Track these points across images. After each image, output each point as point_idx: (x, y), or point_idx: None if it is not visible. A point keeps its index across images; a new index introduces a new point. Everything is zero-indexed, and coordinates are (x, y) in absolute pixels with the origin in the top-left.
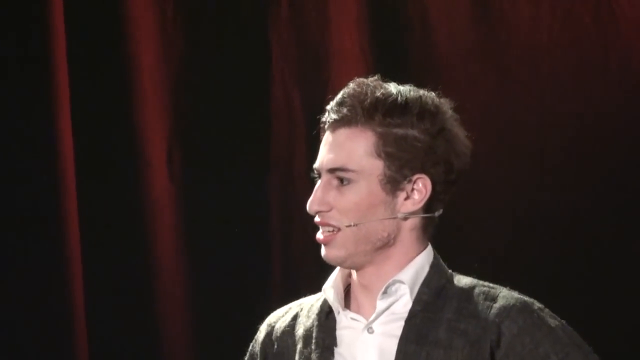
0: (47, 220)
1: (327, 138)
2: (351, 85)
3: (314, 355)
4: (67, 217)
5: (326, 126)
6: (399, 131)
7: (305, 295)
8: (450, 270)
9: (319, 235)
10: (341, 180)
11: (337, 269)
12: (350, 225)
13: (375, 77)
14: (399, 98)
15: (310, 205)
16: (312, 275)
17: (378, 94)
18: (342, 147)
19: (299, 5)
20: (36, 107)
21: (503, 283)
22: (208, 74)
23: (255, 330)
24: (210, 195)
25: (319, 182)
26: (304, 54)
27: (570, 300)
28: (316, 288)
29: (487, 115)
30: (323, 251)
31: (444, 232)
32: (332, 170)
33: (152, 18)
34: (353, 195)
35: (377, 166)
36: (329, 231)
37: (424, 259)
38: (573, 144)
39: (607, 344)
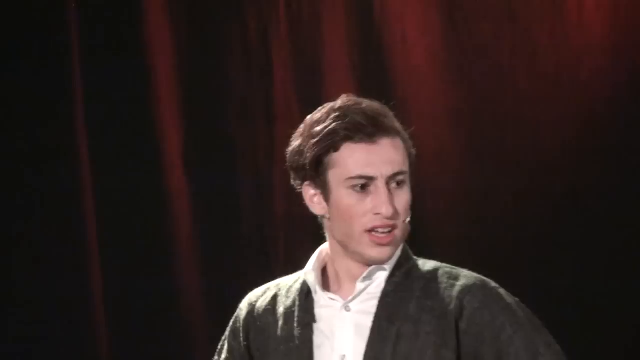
0: (69, 208)
1: (368, 148)
2: (364, 103)
3: (295, 332)
4: (86, 207)
5: (358, 139)
6: (404, 134)
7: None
8: (415, 257)
9: (385, 239)
10: (398, 182)
11: (315, 254)
12: (404, 221)
13: (352, 95)
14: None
15: (387, 210)
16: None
17: (382, 107)
18: (394, 154)
19: (296, 22)
20: (58, 107)
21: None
22: (218, 79)
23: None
24: (220, 186)
25: (379, 189)
26: (301, 64)
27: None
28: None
29: (457, 121)
30: (380, 251)
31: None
32: (394, 176)
33: (167, 27)
34: (407, 195)
35: (408, 166)
36: (388, 232)
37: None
38: (531, 147)
39: (569, 333)
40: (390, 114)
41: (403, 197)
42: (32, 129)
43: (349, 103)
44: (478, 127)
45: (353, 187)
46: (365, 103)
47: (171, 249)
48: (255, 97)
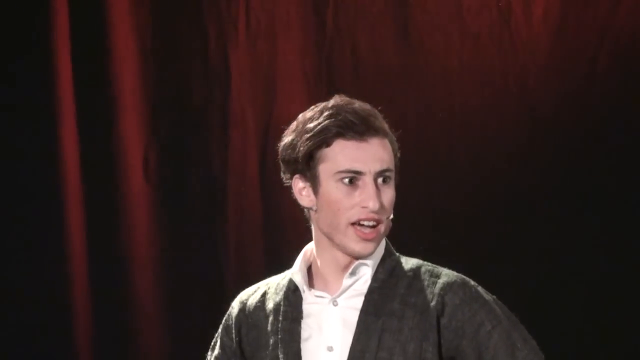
0: (51, 209)
1: (358, 145)
2: (356, 103)
3: (284, 325)
4: (70, 206)
5: (349, 136)
6: (392, 136)
7: (251, 270)
8: (397, 253)
9: (369, 235)
10: (384, 179)
11: (301, 254)
12: (388, 217)
13: (344, 96)
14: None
15: (374, 204)
16: (259, 258)
17: (372, 108)
18: (383, 152)
19: (254, 36)
20: (44, 124)
21: None
22: (177, 92)
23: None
24: (178, 191)
25: (367, 184)
26: (256, 76)
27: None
28: (263, 269)
29: (407, 126)
30: (364, 246)
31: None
32: (381, 172)
33: (134, 51)
34: (392, 191)
35: (394, 166)
36: (374, 226)
37: (382, 243)
38: (480, 154)
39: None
40: (380, 115)
41: (389, 194)
42: (28, 144)
43: (341, 103)
44: (427, 135)
45: (342, 180)
46: (357, 103)
47: (133, 238)
48: (212, 105)
